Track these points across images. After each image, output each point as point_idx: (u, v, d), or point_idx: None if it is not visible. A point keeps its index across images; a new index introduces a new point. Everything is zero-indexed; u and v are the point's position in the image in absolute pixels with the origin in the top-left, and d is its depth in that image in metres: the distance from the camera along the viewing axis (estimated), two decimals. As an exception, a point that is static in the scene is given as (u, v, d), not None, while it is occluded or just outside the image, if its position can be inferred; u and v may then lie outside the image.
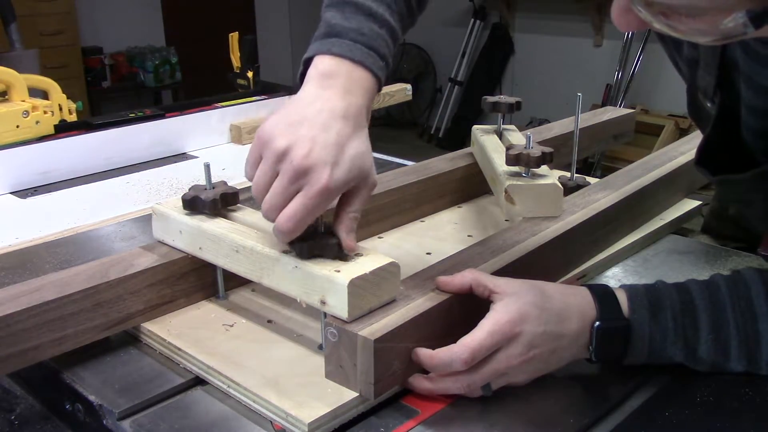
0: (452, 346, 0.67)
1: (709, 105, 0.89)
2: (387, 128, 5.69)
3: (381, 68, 0.76)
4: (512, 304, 0.69)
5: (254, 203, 0.74)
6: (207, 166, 0.82)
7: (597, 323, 0.70)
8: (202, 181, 0.83)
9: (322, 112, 0.70)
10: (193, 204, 0.82)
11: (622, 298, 0.73)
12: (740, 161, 0.83)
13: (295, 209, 0.67)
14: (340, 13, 0.76)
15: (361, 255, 0.71)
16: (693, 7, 0.52)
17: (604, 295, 0.72)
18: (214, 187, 0.83)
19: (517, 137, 1.16)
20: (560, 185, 0.94)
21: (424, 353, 0.69)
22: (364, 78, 0.74)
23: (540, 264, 0.87)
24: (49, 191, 1.34)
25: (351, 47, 0.74)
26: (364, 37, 0.75)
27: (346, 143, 0.69)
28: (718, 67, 0.84)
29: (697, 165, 0.88)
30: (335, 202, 0.72)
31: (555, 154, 0.96)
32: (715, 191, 1.12)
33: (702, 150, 0.89)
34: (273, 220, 0.69)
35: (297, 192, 0.67)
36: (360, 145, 0.70)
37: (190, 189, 0.84)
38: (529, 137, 0.96)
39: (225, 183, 0.85)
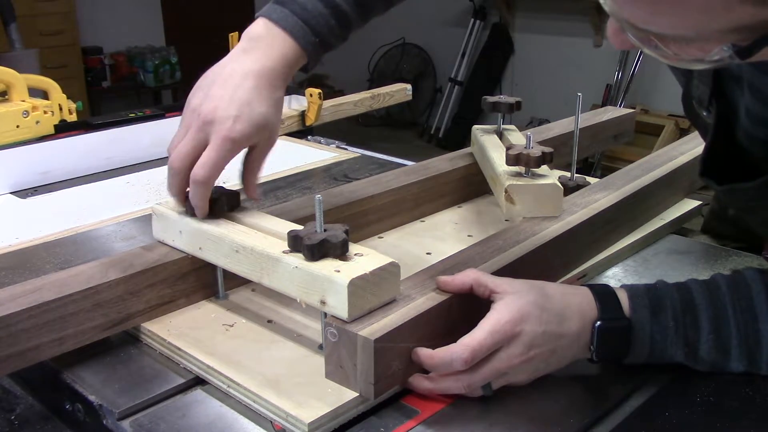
0: (452, 345, 0.67)
1: (705, 114, 0.90)
2: (387, 128, 5.69)
3: (311, 43, 0.83)
4: (513, 303, 0.69)
5: (253, 203, 0.75)
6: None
7: (598, 323, 0.70)
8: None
9: (234, 73, 0.79)
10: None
11: (623, 297, 0.73)
12: (743, 169, 0.84)
13: (205, 158, 0.77)
14: None
15: (361, 255, 0.71)
16: (679, 37, 0.52)
17: (604, 295, 0.72)
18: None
19: (517, 137, 1.16)
20: (560, 185, 0.94)
21: (424, 353, 0.69)
22: (287, 47, 0.82)
23: (540, 264, 0.87)
24: (49, 191, 1.33)
25: (287, 16, 0.82)
26: (305, 12, 0.83)
27: (252, 101, 0.77)
28: (713, 78, 0.84)
29: (701, 176, 0.89)
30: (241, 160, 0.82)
31: (555, 154, 0.96)
32: (715, 194, 1.12)
33: (705, 160, 0.89)
34: (177, 170, 0.78)
35: (205, 144, 0.77)
36: (264, 105, 0.78)
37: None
38: (530, 137, 0.96)
39: (222, 187, 0.85)
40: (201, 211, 0.80)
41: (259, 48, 0.81)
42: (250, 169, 0.82)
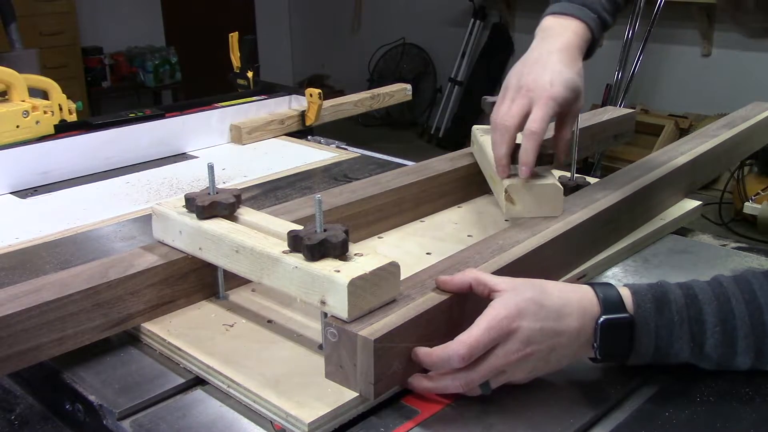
0: (449, 343, 0.67)
1: None
2: (387, 128, 5.69)
3: (592, 19, 1.00)
4: (509, 300, 0.69)
5: (253, 203, 0.75)
6: (211, 168, 0.82)
7: (601, 318, 0.70)
8: (204, 182, 0.83)
9: (540, 55, 0.97)
10: (210, 209, 0.81)
11: (626, 294, 0.72)
12: None
13: (534, 115, 0.92)
14: None
15: (361, 255, 0.71)
16: None
17: (606, 292, 0.72)
18: (217, 192, 0.83)
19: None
20: (560, 185, 0.94)
21: (422, 351, 0.69)
22: (574, 25, 0.99)
23: (540, 264, 0.87)
24: (49, 191, 1.33)
25: (567, 6, 1.00)
26: None
27: (561, 70, 0.94)
28: None
29: None
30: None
31: (554, 152, 0.97)
32: None
33: None
34: (509, 126, 0.93)
35: (529, 107, 0.93)
36: (571, 72, 0.95)
37: (198, 196, 0.83)
38: None
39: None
40: (528, 167, 0.92)
41: (552, 35, 0.99)
42: (561, 130, 0.97)
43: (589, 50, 1.02)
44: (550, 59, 0.95)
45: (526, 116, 0.92)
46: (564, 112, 0.96)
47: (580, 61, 0.98)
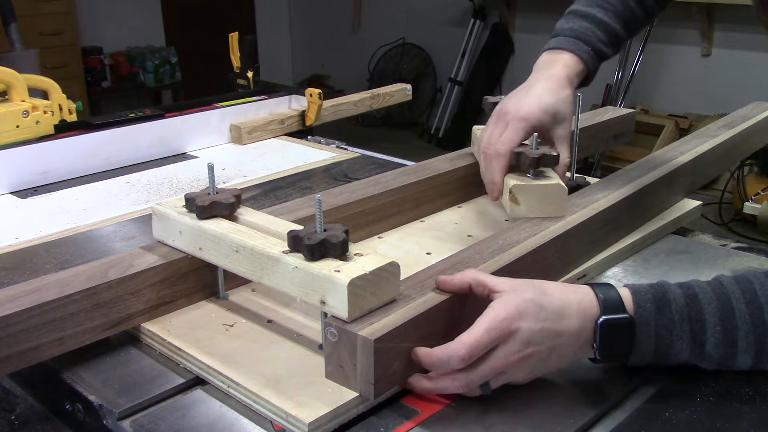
0: (449, 343, 0.67)
1: None
2: (387, 128, 5.69)
3: (585, 51, 1.04)
4: (509, 300, 0.69)
5: (253, 203, 0.75)
6: (211, 168, 0.82)
7: (601, 318, 0.70)
8: (204, 182, 0.83)
9: (528, 85, 1.02)
10: (210, 209, 0.81)
11: (626, 294, 0.72)
12: None
13: (504, 137, 0.97)
14: (565, 20, 1.09)
15: (361, 255, 0.71)
16: None
17: (606, 292, 0.72)
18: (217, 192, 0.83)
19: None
20: (565, 185, 0.94)
21: (422, 352, 0.69)
22: (565, 57, 1.04)
23: (540, 264, 0.87)
24: (49, 191, 1.33)
25: (560, 41, 1.06)
26: (573, 31, 1.06)
27: (542, 95, 0.99)
28: None
29: None
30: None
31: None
32: None
33: None
34: (488, 153, 0.98)
35: (505, 129, 0.98)
36: (551, 98, 0.99)
37: (198, 196, 0.83)
38: (534, 136, 0.96)
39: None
40: (497, 187, 0.97)
41: (544, 68, 1.04)
42: (549, 152, 0.97)
43: (585, 79, 1.07)
44: (534, 87, 1.01)
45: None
46: (547, 137, 1.00)
47: (566, 90, 1.01)
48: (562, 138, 1.01)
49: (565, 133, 1.01)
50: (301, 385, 0.69)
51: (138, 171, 1.44)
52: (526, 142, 0.98)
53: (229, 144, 1.62)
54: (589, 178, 1.14)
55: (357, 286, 0.67)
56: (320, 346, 0.75)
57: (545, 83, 1.01)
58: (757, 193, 3.49)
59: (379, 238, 1.06)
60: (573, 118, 1.03)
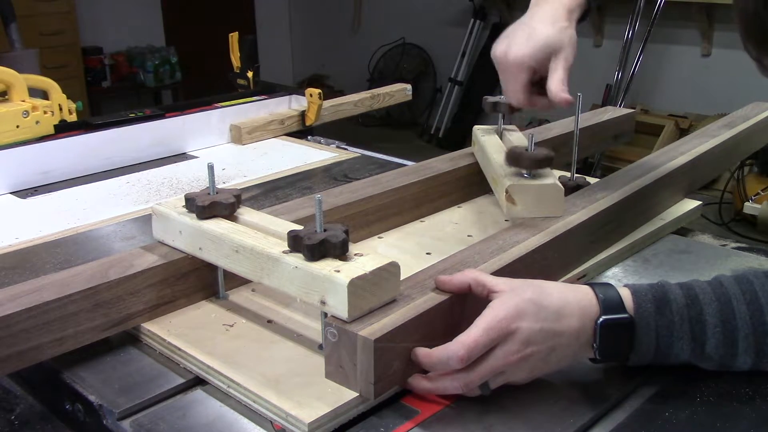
0: (449, 343, 0.67)
1: None
2: (387, 128, 5.69)
3: None
4: (509, 300, 0.69)
5: (253, 203, 0.75)
6: (211, 168, 0.82)
7: (601, 318, 0.70)
8: (204, 182, 0.83)
9: (523, 20, 1.04)
10: (210, 209, 0.81)
11: (626, 294, 0.72)
12: None
13: (506, 87, 1.02)
14: None
15: (361, 255, 0.71)
16: None
17: (606, 292, 0.72)
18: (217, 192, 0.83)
19: (517, 137, 1.16)
20: (561, 186, 0.94)
21: (422, 352, 0.69)
22: None
23: (540, 264, 0.87)
24: (49, 191, 1.33)
25: None
26: None
27: (536, 28, 1.00)
28: None
29: None
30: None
31: (555, 154, 0.96)
32: None
33: None
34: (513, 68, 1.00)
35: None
36: (546, 30, 0.99)
37: (198, 196, 0.83)
38: (532, 137, 0.96)
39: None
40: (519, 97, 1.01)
41: (543, 3, 1.03)
42: (552, 77, 0.99)
43: (586, 12, 1.05)
44: (530, 22, 1.01)
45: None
46: (543, 71, 1.00)
47: (564, 23, 1.00)
48: (563, 60, 0.99)
49: (567, 57, 0.99)
50: (301, 385, 0.69)
51: (138, 171, 1.44)
52: (524, 143, 0.98)
53: (229, 144, 1.62)
54: (589, 178, 1.14)
55: (357, 286, 0.67)
56: (320, 346, 0.75)
57: (542, 16, 1.00)
58: (757, 193, 3.49)
59: (379, 238, 1.06)
60: (572, 49, 1.00)
